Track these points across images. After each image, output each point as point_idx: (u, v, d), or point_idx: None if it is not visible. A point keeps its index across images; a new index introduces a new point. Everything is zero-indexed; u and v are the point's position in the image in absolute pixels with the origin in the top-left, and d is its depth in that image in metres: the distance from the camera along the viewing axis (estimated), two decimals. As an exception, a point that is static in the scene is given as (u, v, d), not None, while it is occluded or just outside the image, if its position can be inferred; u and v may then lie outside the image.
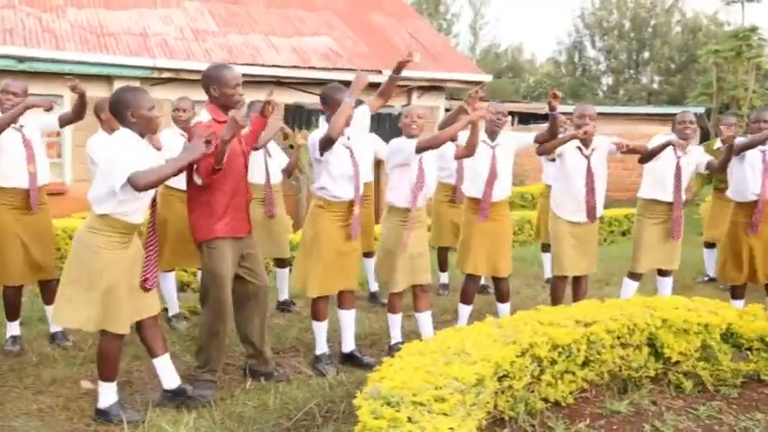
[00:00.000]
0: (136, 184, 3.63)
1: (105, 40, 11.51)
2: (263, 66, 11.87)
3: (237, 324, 4.81)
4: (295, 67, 12.16)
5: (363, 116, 5.12)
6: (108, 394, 3.99)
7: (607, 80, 35.00)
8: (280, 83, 11.96)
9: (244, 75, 11.70)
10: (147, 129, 3.89)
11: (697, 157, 6.08)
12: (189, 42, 12.09)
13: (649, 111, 20.60)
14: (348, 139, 4.94)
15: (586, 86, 33.49)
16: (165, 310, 6.04)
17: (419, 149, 5.00)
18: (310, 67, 12.25)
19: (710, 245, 8.13)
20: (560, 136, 5.57)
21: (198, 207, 4.44)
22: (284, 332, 5.83)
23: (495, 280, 5.82)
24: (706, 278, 8.27)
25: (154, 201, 4.07)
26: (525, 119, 18.17)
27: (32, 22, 11.40)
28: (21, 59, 10.49)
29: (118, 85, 11.09)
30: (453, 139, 5.35)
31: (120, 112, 3.83)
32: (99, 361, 4.00)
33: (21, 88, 5.05)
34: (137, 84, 11.10)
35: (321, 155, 4.83)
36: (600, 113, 19.32)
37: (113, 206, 3.80)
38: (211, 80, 4.40)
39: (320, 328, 5.13)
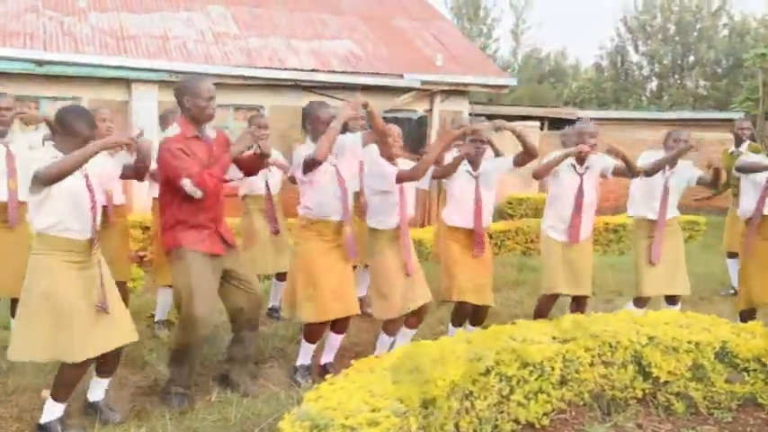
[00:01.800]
0: (41, 177, 3.45)
1: (125, 44, 11.55)
2: (282, 69, 11.77)
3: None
4: (314, 70, 12.02)
5: (354, 143, 4.87)
6: (52, 410, 3.82)
7: (651, 85, 34.11)
8: (299, 86, 11.85)
9: (262, 78, 11.66)
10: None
11: (687, 175, 5.68)
12: (208, 46, 12.05)
13: (694, 116, 19.91)
14: (335, 157, 4.73)
15: (629, 91, 32.71)
16: (152, 315, 5.96)
17: (399, 180, 4.83)
18: (330, 71, 12.10)
19: (733, 254, 7.70)
20: (554, 155, 5.38)
21: (167, 215, 4.31)
22: (267, 340, 5.64)
23: (476, 307, 5.46)
24: (732, 291, 7.81)
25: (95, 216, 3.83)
26: (557, 124, 17.73)
27: (54, 26, 11.50)
28: (40, 63, 10.56)
29: (136, 88, 11.12)
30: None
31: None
32: (56, 382, 3.83)
33: (9, 103, 4.96)
34: (155, 88, 11.10)
35: (305, 174, 4.64)
36: (643, 119, 18.75)
37: (46, 218, 3.64)
38: (186, 91, 4.24)
39: (309, 346, 4.94)
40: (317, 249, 4.71)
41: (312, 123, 4.68)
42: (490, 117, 10.80)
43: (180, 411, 4.23)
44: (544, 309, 5.54)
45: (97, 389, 4.09)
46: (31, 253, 3.76)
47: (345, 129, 4.81)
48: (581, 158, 5.38)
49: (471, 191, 5.25)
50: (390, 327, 5.03)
